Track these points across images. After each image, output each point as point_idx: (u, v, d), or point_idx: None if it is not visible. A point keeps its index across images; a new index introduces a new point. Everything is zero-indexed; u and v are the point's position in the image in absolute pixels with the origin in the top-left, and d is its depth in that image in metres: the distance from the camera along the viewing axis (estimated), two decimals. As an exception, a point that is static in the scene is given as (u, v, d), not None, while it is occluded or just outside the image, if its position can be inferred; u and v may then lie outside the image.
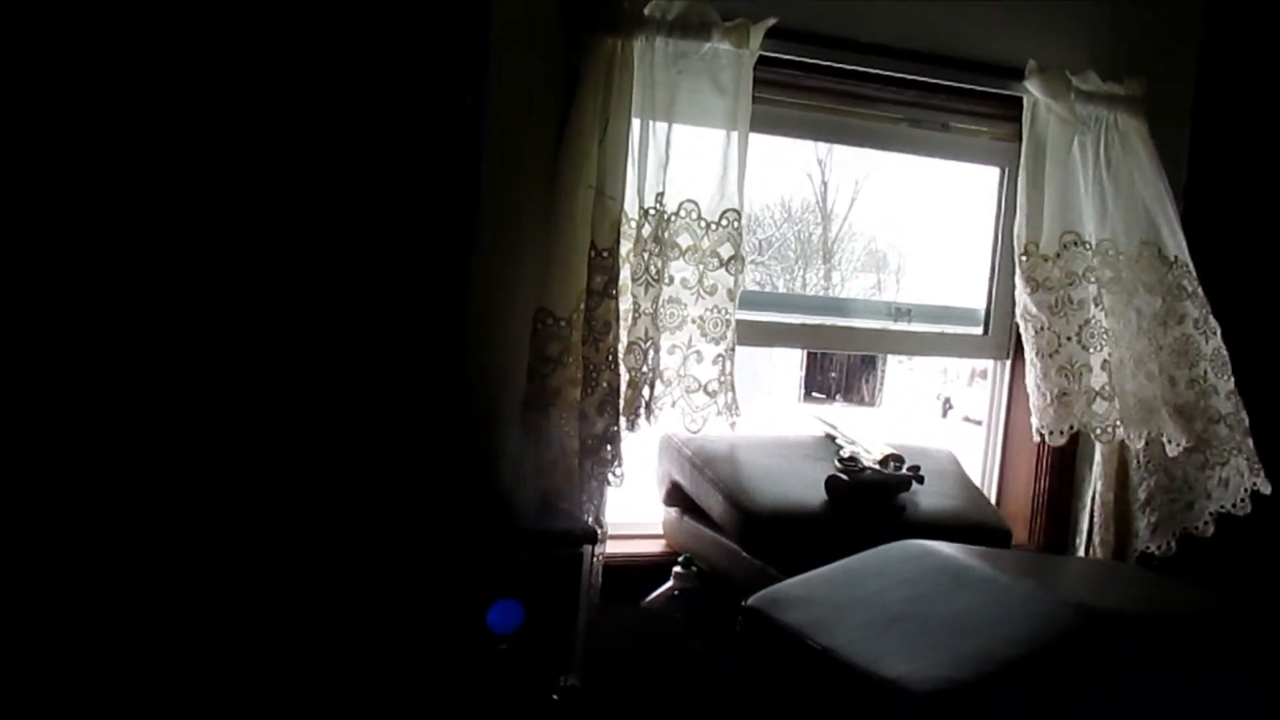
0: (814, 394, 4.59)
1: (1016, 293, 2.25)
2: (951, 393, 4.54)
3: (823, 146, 2.63)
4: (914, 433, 2.44)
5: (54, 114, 1.42)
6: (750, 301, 2.18)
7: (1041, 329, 2.22)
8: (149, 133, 1.47)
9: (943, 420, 4.47)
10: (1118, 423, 2.22)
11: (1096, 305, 2.21)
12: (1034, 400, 2.25)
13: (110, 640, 1.47)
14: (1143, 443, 2.23)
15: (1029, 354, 2.25)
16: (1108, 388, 2.21)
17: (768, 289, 3.01)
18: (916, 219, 2.90)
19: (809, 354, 4.38)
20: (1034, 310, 2.22)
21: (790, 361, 4.36)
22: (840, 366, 4.71)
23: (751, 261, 3.49)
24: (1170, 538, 2.28)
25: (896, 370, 4.71)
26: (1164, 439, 2.22)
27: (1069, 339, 2.22)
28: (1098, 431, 2.23)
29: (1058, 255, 2.21)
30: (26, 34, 1.39)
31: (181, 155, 1.48)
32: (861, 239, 3.82)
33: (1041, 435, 2.25)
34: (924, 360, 4.25)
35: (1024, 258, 2.22)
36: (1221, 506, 2.25)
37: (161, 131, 1.47)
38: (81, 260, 1.46)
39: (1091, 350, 2.22)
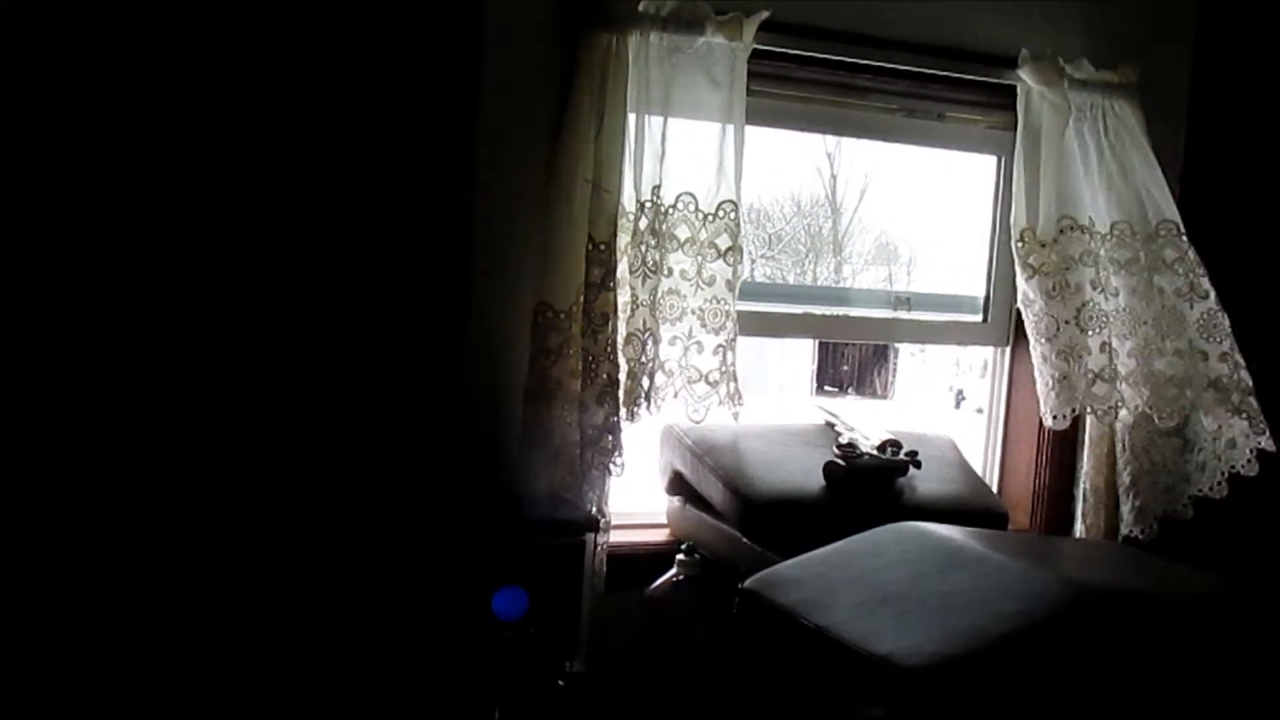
0: (826, 387, 4.58)
1: (1016, 279, 2.27)
2: (964, 384, 4.52)
3: (831, 140, 2.63)
4: (925, 424, 2.44)
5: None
6: (752, 292, 2.20)
7: (1040, 314, 2.23)
8: (151, 137, 1.51)
9: (956, 412, 4.46)
10: (1119, 403, 2.23)
11: (1094, 288, 2.22)
12: (1038, 385, 2.27)
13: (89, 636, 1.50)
14: (1175, 422, 2.24)
15: (1031, 339, 2.27)
16: (1108, 369, 2.21)
17: (778, 282, 3.02)
18: (925, 210, 2.91)
19: (821, 347, 4.37)
20: (1032, 295, 2.24)
21: (802, 355, 4.36)
22: (852, 360, 4.69)
23: (762, 256, 3.50)
24: (1152, 521, 2.29)
25: (909, 363, 4.70)
26: (1201, 414, 2.23)
27: (1067, 322, 2.23)
28: (1100, 412, 2.24)
29: (1054, 240, 2.22)
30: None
31: (180, 158, 1.52)
32: (872, 232, 3.82)
33: (1049, 419, 2.25)
34: (937, 352, 4.25)
35: (1020, 244, 2.23)
36: (1199, 490, 2.27)
37: (155, 136, 1.50)
38: (80, 263, 1.50)
39: (1090, 333, 2.23)
